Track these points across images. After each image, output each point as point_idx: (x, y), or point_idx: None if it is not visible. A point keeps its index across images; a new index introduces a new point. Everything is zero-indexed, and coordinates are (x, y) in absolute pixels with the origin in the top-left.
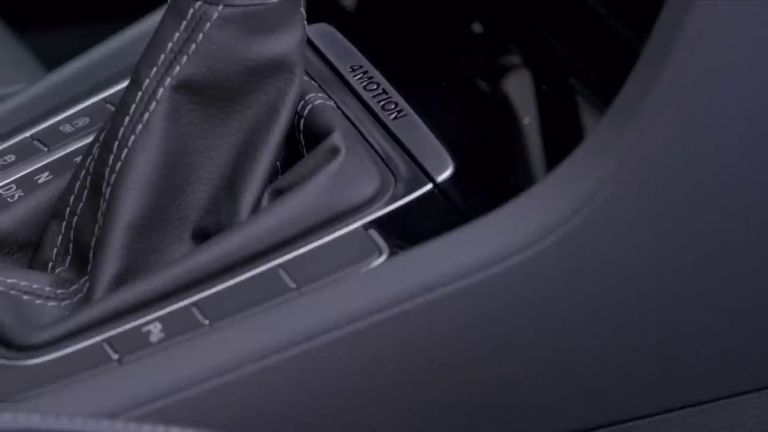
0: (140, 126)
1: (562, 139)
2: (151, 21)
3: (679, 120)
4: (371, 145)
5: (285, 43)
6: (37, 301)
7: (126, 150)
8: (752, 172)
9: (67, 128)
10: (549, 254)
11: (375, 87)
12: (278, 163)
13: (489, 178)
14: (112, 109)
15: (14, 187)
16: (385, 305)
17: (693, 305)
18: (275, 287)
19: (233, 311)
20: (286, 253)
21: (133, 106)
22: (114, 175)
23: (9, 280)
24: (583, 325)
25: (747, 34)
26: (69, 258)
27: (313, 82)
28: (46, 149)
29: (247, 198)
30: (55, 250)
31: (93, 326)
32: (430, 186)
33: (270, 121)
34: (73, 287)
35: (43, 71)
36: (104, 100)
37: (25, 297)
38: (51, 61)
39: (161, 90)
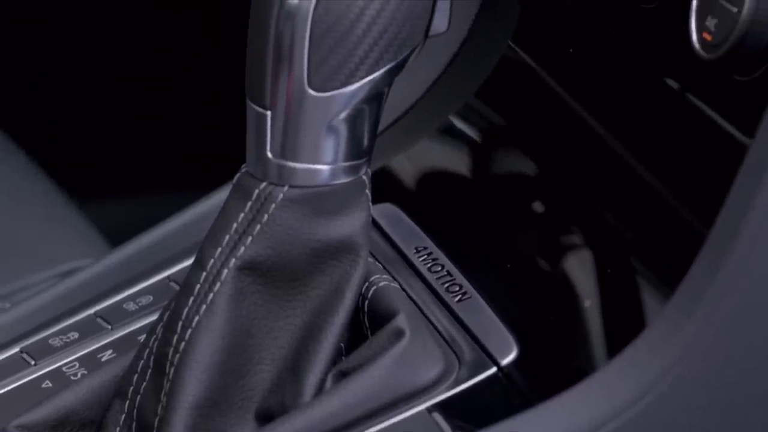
0: (204, 307)
1: (625, 323)
2: (216, 199)
3: (745, 306)
4: (435, 328)
5: (350, 224)
6: None
7: (190, 330)
8: None
9: (131, 306)
10: None
11: (439, 269)
12: (342, 344)
13: (553, 361)
14: (176, 287)
15: (77, 365)
16: None
17: None
18: None
19: None
20: None
21: (198, 286)
22: (177, 356)
23: None
24: None
25: None
26: None
27: (377, 263)
28: (109, 327)
29: (311, 380)
30: (118, 429)
31: None
32: (494, 369)
33: (335, 303)
34: None
35: (106, 246)
36: (168, 278)
37: None
38: (115, 236)
39: (225, 271)
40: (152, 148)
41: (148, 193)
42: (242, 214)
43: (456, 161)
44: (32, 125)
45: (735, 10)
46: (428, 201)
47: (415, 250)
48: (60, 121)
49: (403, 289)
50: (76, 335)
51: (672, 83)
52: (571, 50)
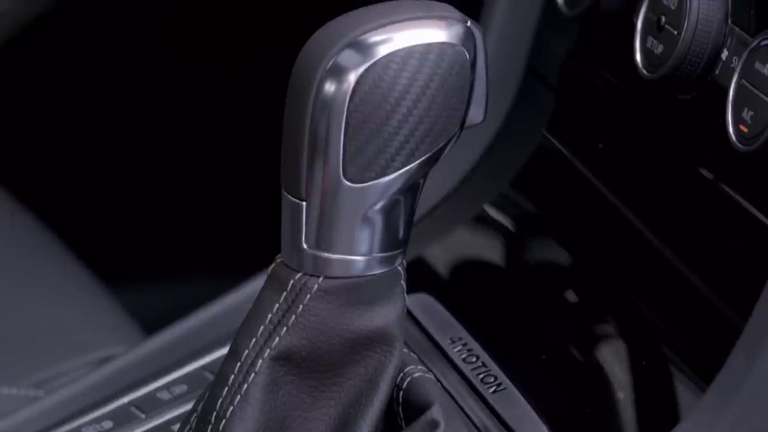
0: (239, 397)
1: (660, 416)
2: (250, 288)
3: None
4: (470, 419)
5: (385, 315)
6: None
7: (224, 421)
8: None
9: (165, 395)
10: None
11: (474, 360)
12: None
13: None
14: (211, 377)
15: None
16: None
17: None
18: None
19: None
20: None
21: (232, 377)
22: None
23: None
24: None
25: None
26: None
27: (412, 354)
28: (143, 416)
29: None
30: None
31: None
32: None
33: (369, 394)
34: None
35: (140, 333)
36: (203, 367)
37: None
38: (149, 322)
39: (260, 361)
40: (186, 235)
41: (182, 280)
42: (277, 305)
43: (491, 251)
44: (63, 205)
45: None
46: (463, 291)
47: (450, 341)
48: (96, 207)
49: (438, 380)
50: (110, 424)
51: (707, 174)
52: (600, 146)
